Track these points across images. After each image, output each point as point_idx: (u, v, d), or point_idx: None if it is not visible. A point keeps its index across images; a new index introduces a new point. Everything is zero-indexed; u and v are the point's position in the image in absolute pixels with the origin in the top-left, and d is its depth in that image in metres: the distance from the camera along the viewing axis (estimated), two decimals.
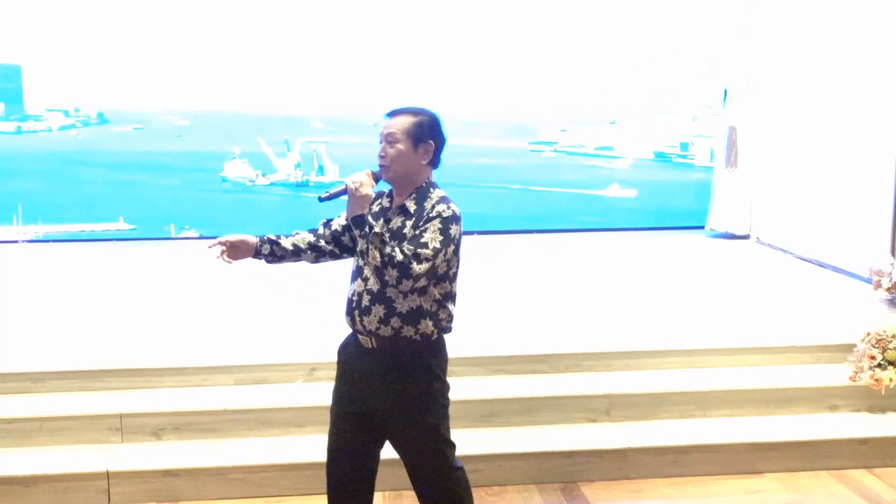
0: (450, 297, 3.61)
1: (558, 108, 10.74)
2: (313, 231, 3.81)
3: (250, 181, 9.99)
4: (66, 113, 9.81)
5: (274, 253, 3.73)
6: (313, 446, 4.56)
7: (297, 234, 3.80)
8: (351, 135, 9.74)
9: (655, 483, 4.96)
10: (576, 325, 6.27)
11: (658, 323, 6.32)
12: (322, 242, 3.77)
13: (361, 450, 3.70)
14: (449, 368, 5.07)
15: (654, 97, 10.62)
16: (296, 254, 3.76)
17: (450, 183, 3.75)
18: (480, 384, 5.44)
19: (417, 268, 3.36)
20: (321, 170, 10.23)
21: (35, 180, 9.56)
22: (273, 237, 3.73)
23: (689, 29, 10.03)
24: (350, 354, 3.69)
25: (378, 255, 3.34)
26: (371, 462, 3.75)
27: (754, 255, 9.12)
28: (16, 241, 9.50)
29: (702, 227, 10.21)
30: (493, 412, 5.25)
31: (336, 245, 3.77)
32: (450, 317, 3.63)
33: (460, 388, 5.24)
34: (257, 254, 3.71)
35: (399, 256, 3.34)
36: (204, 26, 9.70)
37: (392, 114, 3.60)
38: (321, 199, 3.49)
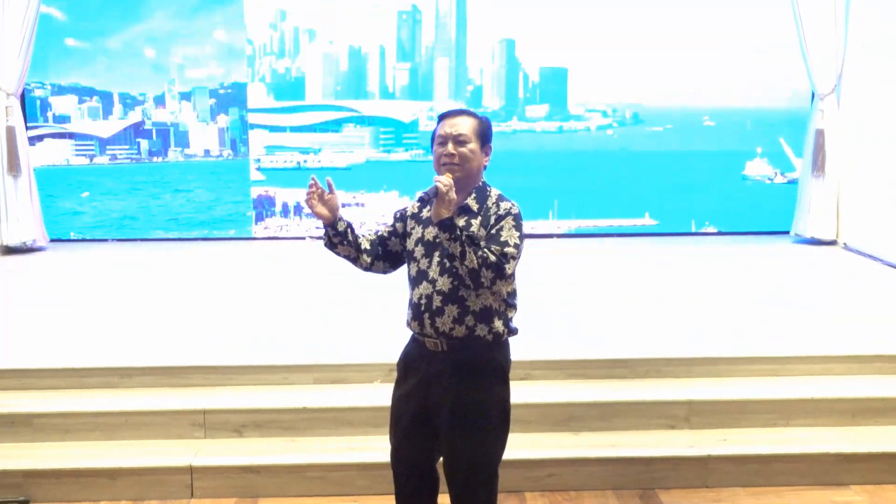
0: (514, 294, 3.60)
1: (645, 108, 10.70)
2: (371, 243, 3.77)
3: (769, 179, 10.38)
4: (604, 113, 10.47)
5: (345, 234, 3.67)
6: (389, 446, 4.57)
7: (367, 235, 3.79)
8: None
9: (736, 492, 4.85)
10: (656, 329, 6.18)
11: (741, 329, 6.19)
12: (370, 257, 3.74)
13: (422, 450, 3.68)
14: (527, 371, 5.09)
15: (740, 99, 10.46)
16: (357, 249, 3.72)
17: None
18: (558, 388, 5.39)
19: (508, 267, 3.38)
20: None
21: (571, 177, 10.27)
22: (352, 225, 3.69)
23: (778, 33, 9.82)
24: (413, 359, 3.65)
25: (474, 258, 3.32)
26: (430, 462, 3.73)
27: (841, 261, 8.87)
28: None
29: (787, 233, 9.98)
30: (571, 417, 5.19)
31: (386, 258, 3.75)
32: (515, 313, 3.62)
33: (538, 392, 5.25)
34: (334, 223, 3.63)
35: (492, 257, 3.34)
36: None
37: (453, 114, 3.59)
38: (402, 215, 3.56)
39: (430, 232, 3.56)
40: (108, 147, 10.73)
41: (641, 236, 10.20)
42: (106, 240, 10.20)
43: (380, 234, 3.78)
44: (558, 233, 10.24)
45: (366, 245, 3.74)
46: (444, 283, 3.49)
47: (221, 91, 10.86)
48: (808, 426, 5.22)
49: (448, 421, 3.53)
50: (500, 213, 3.48)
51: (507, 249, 3.38)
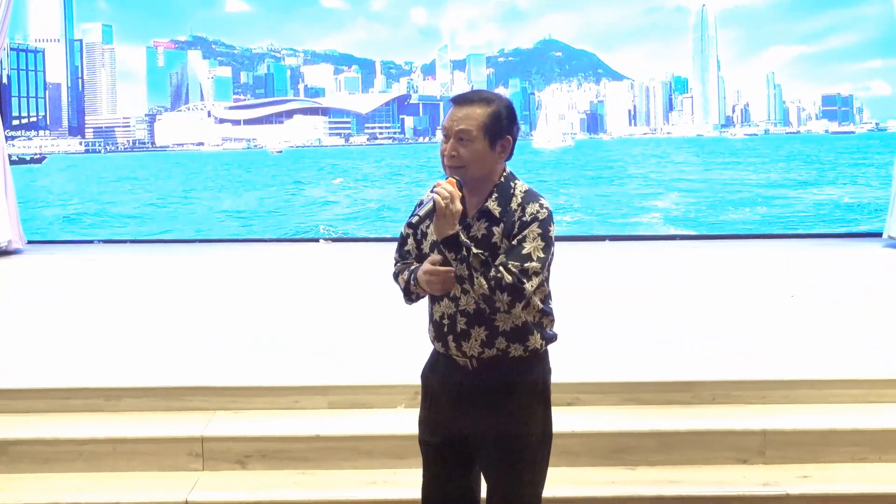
0: (549, 298, 3.56)
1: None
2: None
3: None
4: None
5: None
6: (416, 481, 4.57)
7: None
8: None
9: None
10: (724, 346, 6.17)
11: (824, 347, 6.17)
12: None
13: (455, 483, 3.67)
14: (573, 395, 5.10)
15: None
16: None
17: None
18: (609, 415, 5.38)
19: (529, 286, 3.29)
20: None
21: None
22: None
23: (875, 31, 9.81)
24: (440, 375, 3.61)
25: (484, 282, 3.27)
26: (469, 494, 3.71)
27: None
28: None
29: (879, 235, 9.92)
30: (624, 448, 5.18)
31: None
32: (552, 321, 3.57)
33: (586, 418, 5.25)
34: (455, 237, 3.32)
35: (508, 278, 3.26)
36: None
37: (460, 101, 3.45)
38: (413, 225, 3.35)
39: None
40: (366, 125, 10.76)
41: (711, 238, 10.20)
42: (91, 241, 10.36)
43: (405, 255, 3.67)
44: (610, 234, 10.27)
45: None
46: (467, 301, 3.45)
47: (502, 59, 10.81)
48: None
49: (484, 453, 3.53)
50: (524, 218, 3.37)
51: (528, 265, 3.30)
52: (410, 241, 3.66)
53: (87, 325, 6.80)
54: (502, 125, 3.43)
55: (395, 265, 3.71)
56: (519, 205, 3.42)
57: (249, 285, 8.14)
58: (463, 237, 3.30)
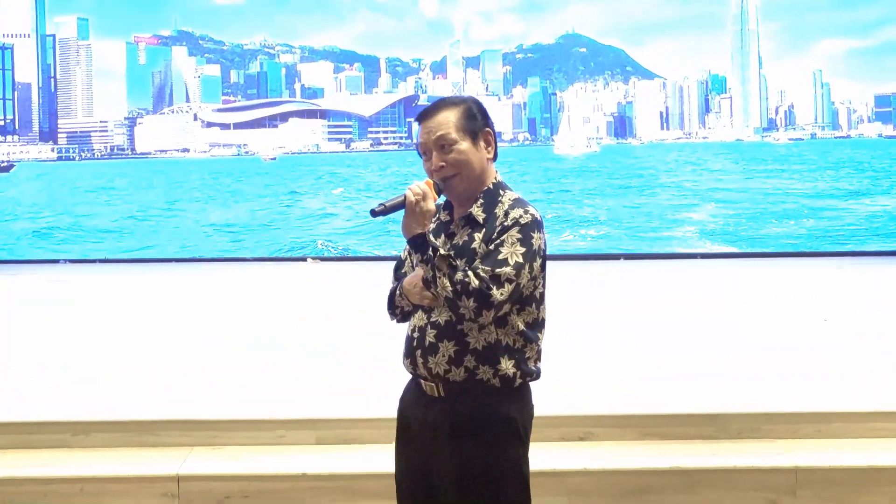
0: (538, 325, 3.57)
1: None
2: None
3: None
4: None
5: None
6: None
7: None
8: None
9: None
10: (753, 376, 6.22)
11: (862, 376, 6.20)
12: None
13: None
14: (587, 430, 5.14)
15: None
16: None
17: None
18: (625, 451, 5.39)
19: (498, 293, 3.32)
20: None
21: None
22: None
23: None
24: (409, 404, 3.69)
25: (448, 284, 3.33)
26: None
27: None
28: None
29: None
30: (643, 488, 5.21)
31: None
32: (537, 355, 3.58)
33: (601, 455, 5.28)
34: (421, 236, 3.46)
35: (474, 282, 3.31)
36: None
37: (425, 114, 3.57)
38: (374, 214, 3.44)
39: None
40: (369, 129, 10.85)
41: (737, 257, 10.23)
42: (57, 261, 10.45)
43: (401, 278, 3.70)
44: (626, 252, 10.30)
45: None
46: (441, 313, 3.50)
47: (520, 56, 10.84)
48: None
49: (452, 494, 3.52)
50: (506, 222, 3.44)
51: (500, 270, 3.34)
52: (408, 262, 3.68)
53: (53, 352, 6.84)
54: (476, 119, 3.56)
55: (393, 286, 3.75)
56: (504, 211, 3.49)
57: (230, 309, 8.20)
58: (431, 238, 3.40)
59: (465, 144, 3.51)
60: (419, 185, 3.38)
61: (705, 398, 5.82)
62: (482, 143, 3.55)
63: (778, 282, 9.18)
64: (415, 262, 3.47)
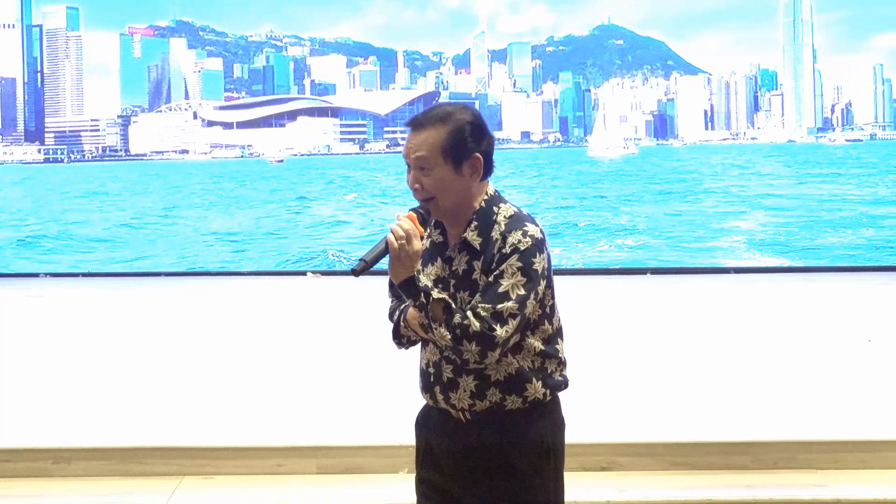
0: (554, 338, 3.57)
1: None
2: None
3: None
4: None
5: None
6: None
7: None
8: None
9: None
10: (790, 402, 6.24)
11: None
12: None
13: None
14: (608, 459, 5.18)
15: None
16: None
17: None
18: (652, 482, 5.42)
19: (502, 331, 3.31)
20: None
21: None
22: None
23: None
24: (432, 428, 3.68)
25: (446, 332, 3.33)
26: None
27: None
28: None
29: None
30: None
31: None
32: (561, 364, 3.58)
33: (623, 486, 5.31)
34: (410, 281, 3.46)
35: (475, 325, 3.30)
36: None
37: (412, 125, 3.48)
38: (356, 273, 3.36)
39: (431, 272, 3.58)
40: (385, 129, 10.88)
41: (771, 272, 10.21)
42: (37, 275, 10.51)
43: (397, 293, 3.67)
44: (668, 265, 10.33)
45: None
46: None
47: (551, 49, 10.80)
48: None
49: None
50: (504, 250, 3.38)
51: (502, 306, 3.32)
52: None
53: (32, 375, 6.87)
54: (466, 144, 3.46)
55: (391, 303, 3.75)
56: (501, 234, 3.43)
57: (224, 327, 8.23)
58: (423, 281, 3.42)
59: (444, 171, 3.44)
60: (400, 226, 3.33)
61: (739, 425, 5.83)
62: (466, 170, 3.45)
63: (828, 298, 9.16)
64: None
